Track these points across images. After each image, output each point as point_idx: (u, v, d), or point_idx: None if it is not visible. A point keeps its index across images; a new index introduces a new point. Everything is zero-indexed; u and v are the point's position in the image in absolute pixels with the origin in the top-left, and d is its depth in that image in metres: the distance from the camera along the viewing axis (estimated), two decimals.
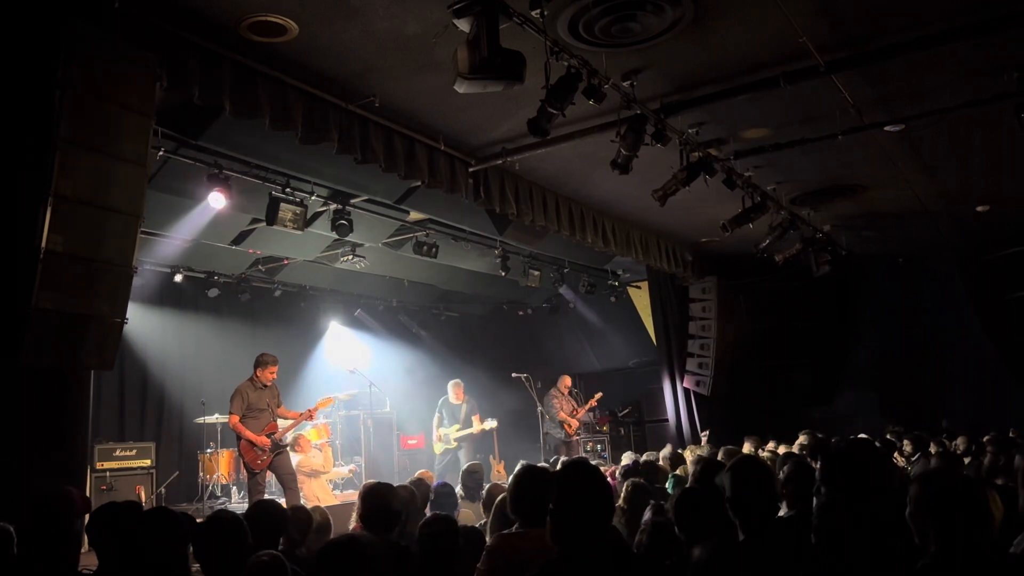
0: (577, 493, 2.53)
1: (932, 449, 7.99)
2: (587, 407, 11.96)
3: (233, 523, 3.40)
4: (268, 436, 8.05)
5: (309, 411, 8.68)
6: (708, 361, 11.97)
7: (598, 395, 12.08)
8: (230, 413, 8.07)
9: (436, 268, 11.12)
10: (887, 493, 3.31)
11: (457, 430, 10.93)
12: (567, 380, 11.96)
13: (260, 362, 8.31)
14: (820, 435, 8.73)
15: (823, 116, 6.66)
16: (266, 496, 7.93)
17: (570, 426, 11.57)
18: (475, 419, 11.04)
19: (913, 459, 7.98)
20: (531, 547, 3.32)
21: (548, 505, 2.56)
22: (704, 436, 10.81)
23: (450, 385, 11.21)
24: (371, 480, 4.59)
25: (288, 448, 8.52)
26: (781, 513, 3.89)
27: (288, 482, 8.14)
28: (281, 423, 8.44)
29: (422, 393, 11.80)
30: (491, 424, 11.16)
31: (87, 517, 3.66)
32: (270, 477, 8.45)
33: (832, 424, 11.03)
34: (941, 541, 2.47)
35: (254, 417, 8.05)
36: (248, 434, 7.93)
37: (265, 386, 8.25)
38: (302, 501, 8.32)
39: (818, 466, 3.32)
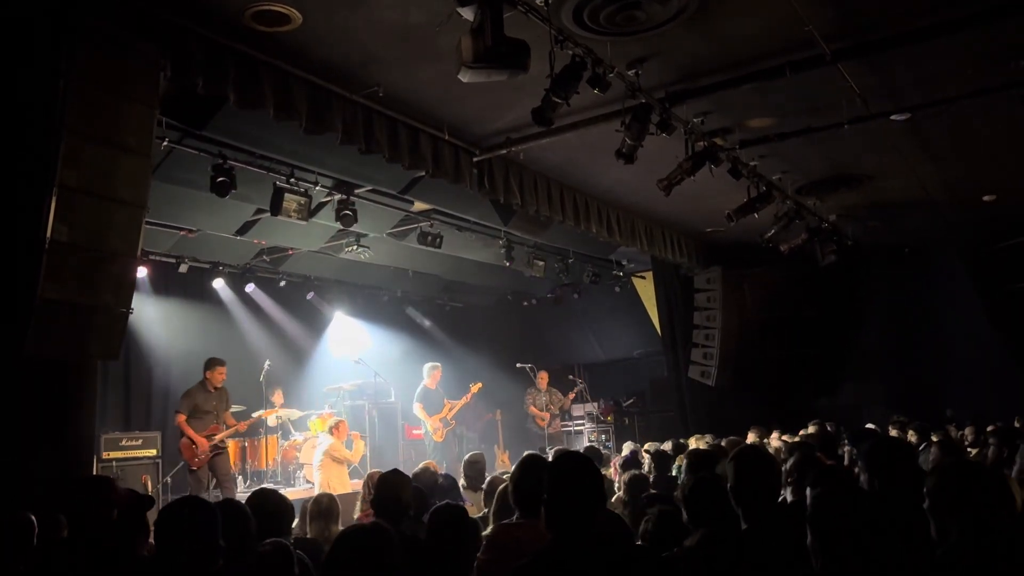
0: (566, 482, 2.57)
1: (935, 438, 7.97)
2: (568, 399, 12.15)
3: (238, 512, 3.40)
4: (209, 437, 8.52)
5: (241, 424, 9.13)
6: (713, 351, 11.96)
7: (577, 388, 12.24)
8: (177, 412, 8.61)
9: (440, 258, 11.12)
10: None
11: (449, 408, 10.97)
12: (544, 375, 12.21)
13: (208, 365, 8.74)
14: (829, 425, 8.74)
15: (829, 105, 6.63)
16: (205, 492, 8.42)
17: (542, 420, 11.69)
18: (446, 402, 11.11)
19: (919, 449, 7.96)
20: (531, 537, 3.33)
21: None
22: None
23: (428, 369, 11.12)
24: (376, 469, 4.61)
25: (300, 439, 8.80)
26: (784, 500, 3.90)
27: (225, 482, 8.62)
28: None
29: None
30: (476, 386, 11.41)
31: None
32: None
33: (837, 414, 11.03)
34: (962, 530, 2.46)
35: (199, 418, 8.54)
36: (190, 433, 8.41)
37: (216, 388, 8.71)
38: (317, 487, 8.45)
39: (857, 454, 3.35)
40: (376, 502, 4.11)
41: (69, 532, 3.49)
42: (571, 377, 12.78)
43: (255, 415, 9.84)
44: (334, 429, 8.98)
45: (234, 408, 9.66)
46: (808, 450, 4.72)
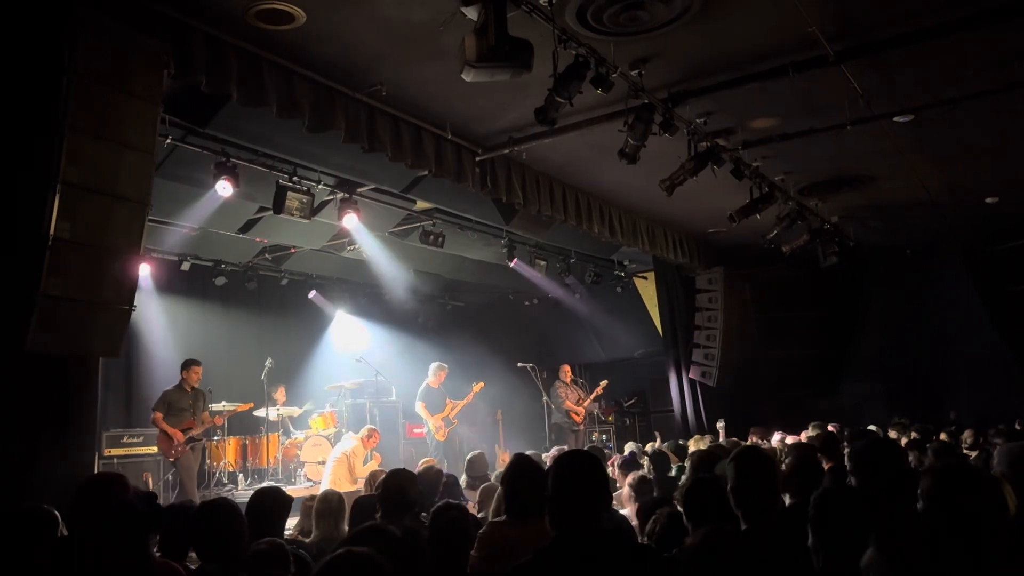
0: (571, 480, 2.56)
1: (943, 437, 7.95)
2: (594, 395, 11.95)
3: (227, 510, 3.39)
4: (184, 431, 8.80)
5: (217, 419, 9.47)
6: (714, 352, 11.96)
7: (604, 382, 12.05)
8: (153, 410, 8.86)
9: (442, 257, 11.12)
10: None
11: (451, 407, 10.95)
12: (567, 369, 11.99)
13: (184, 365, 9.07)
14: (831, 426, 8.72)
15: (832, 106, 6.62)
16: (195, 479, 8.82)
17: (577, 415, 11.54)
18: (448, 401, 11.06)
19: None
20: (524, 537, 3.35)
21: (540, 497, 2.59)
22: (721, 427, 10.76)
23: (434, 368, 11.07)
24: (379, 468, 4.60)
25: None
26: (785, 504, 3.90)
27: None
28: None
29: None
30: (478, 385, 11.38)
31: None
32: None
33: (839, 415, 11.02)
34: (953, 534, 2.46)
35: (175, 415, 8.87)
36: (164, 426, 8.71)
37: (192, 388, 8.99)
38: (327, 482, 8.48)
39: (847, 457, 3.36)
40: (382, 499, 4.11)
41: (69, 531, 3.47)
42: (582, 381, 12.69)
43: (215, 411, 9.83)
44: (365, 438, 9.01)
45: (225, 406, 9.83)
46: (807, 451, 4.72)
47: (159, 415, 8.81)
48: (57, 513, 3.45)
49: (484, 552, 3.52)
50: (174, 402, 8.92)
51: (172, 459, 8.78)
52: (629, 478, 5.58)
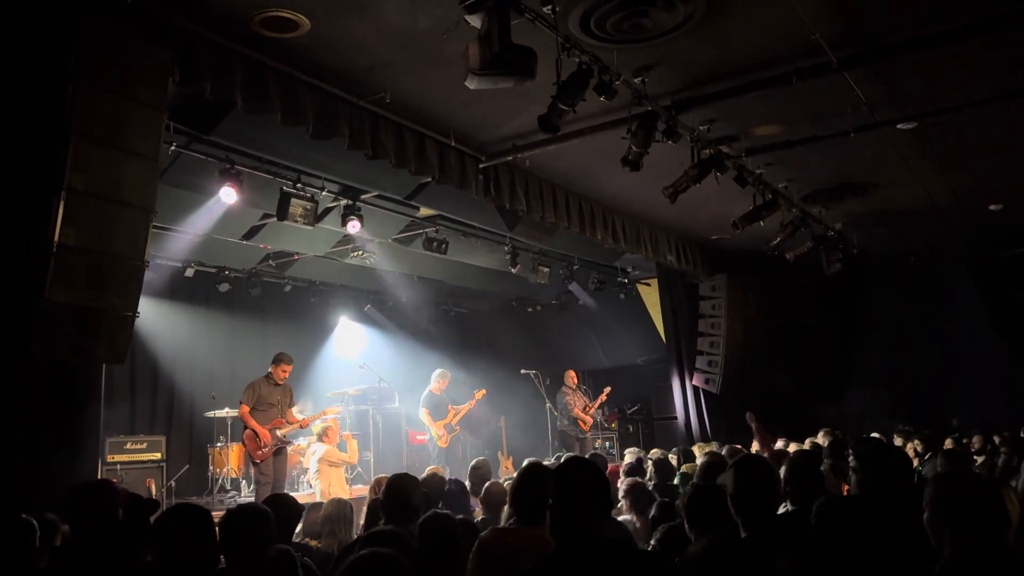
0: (572, 488, 2.55)
1: (946, 447, 7.92)
2: (598, 402, 11.89)
3: (259, 515, 3.38)
4: (272, 431, 8.37)
5: (305, 420, 9.07)
6: (717, 359, 11.95)
7: (607, 389, 12.00)
8: (241, 403, 8.45)
9: (446, 264, 11.12)
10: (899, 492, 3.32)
11: (453, 414, 10.91)
12: (573, 374, 11.92)
13: (276, 360, 8.63)
14: (838, 432, 8.70)
15: (835, 113, 6.62)
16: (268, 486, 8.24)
17: (584, 423, 11.49)
18: (450, 408, 11.00)
19: (925, 458, 7.93)
20: (523, 543, 3.34)
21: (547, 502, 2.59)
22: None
23: (437, 375, 11.01)
24: (383, 475, 4.59)
25: (316, 438, 8.97)
26: (785, 510, 3.89)
27: (279, 484, 8.40)
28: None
29: None
30: (480, 393, 11.30)
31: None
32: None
33: (842, 422, 10.99)
34: (956, 544, 2.45)
35: (263, 411, 8.40)
36: (253, 424, 8.26)
37: (279, 384, 8.58)
38: (319, 495, 8.39)
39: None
40: (386, 505, 4.09)
41: (72, 537, 3.47)
42: (585, 387, 12.66)
43: (316, 414, 9.79)
44: (323, 436, 8.91)
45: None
46: (808, 458, 4.67)
47: (246, 409, 8.29)
48: (35, 522, 3.42)
49: (480, 560, 3.50)
50: (264, 396, 8.44)
51: (259, 460, 8.27)
52: (625, 483, 5.58)
